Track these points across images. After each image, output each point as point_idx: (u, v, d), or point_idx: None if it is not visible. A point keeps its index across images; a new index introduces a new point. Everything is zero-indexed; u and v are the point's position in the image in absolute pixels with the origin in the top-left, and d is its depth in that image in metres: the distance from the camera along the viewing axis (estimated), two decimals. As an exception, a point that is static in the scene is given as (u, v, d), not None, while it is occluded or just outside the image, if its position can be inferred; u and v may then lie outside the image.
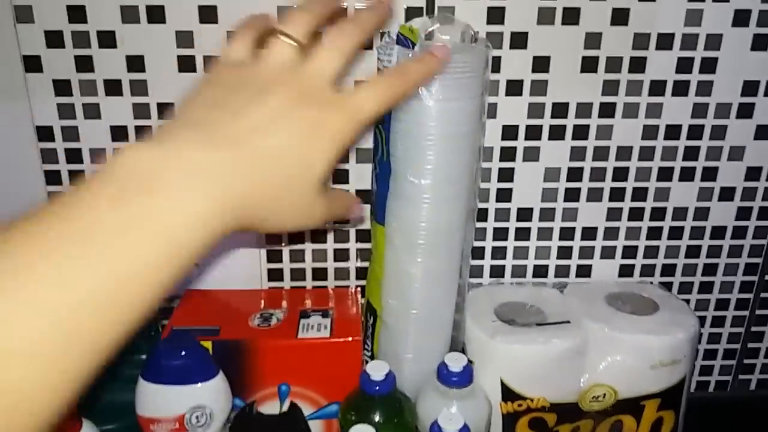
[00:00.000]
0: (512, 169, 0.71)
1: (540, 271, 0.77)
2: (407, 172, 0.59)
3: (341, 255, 0.74)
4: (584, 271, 0.77)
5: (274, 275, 0.75)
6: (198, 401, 0.55)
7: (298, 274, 0.75)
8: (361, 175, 0.71)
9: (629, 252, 0.76)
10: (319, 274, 0.75)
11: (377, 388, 0.59)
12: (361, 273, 0.75)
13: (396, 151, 0.59)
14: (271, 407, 0.62)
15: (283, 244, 0.73)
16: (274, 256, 0.74)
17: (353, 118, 0.40)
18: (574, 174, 0.72)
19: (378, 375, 0.59)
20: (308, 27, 0.41)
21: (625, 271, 0.78)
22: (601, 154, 0.71)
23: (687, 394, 0.69)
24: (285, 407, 0.61)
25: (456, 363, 0.62)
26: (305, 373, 0.63)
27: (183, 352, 0.54)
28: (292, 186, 0.38)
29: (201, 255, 0.33)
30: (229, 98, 0.37)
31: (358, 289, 0.73)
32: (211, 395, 0.55)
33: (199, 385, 0.55)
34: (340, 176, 0.71)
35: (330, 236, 0.73)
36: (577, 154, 0.71)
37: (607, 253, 0.76)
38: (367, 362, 0.64)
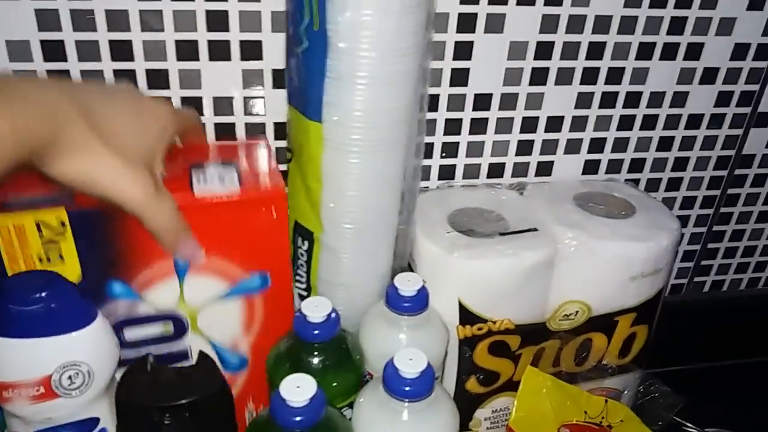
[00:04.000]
0: (471, 43, 0.57)
1: (495, 171, 0.65)
2: (349, 43, 0.44)
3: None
4: (545, 170, 0.66)
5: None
6: (69, 357, 0.40)
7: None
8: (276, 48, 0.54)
9: (596, 145, 0.66)
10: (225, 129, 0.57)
11: (317, 332, 0.46)
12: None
13: (336, 13, 0.43)
14: (168, 291, 0.47)
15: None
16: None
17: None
18: (543, 50, 0.59)
19: (317, 316, 0.46)
20: None
21: (590, 168, 0.67)
22: (575, 24, 0.58)
23: (661, 306, 0.61)
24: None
25: (408, 285, 0.50)
26: (209, 239, 0.46)
27: (42, 293, 0.39)
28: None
29: None
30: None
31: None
32: (88, 347, 0.41)
33: (71, 335, 0.40)
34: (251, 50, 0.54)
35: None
36: (549, 24, 0.58)
37: (572, 147, 0.65)
38: (301, 298, 0.50)
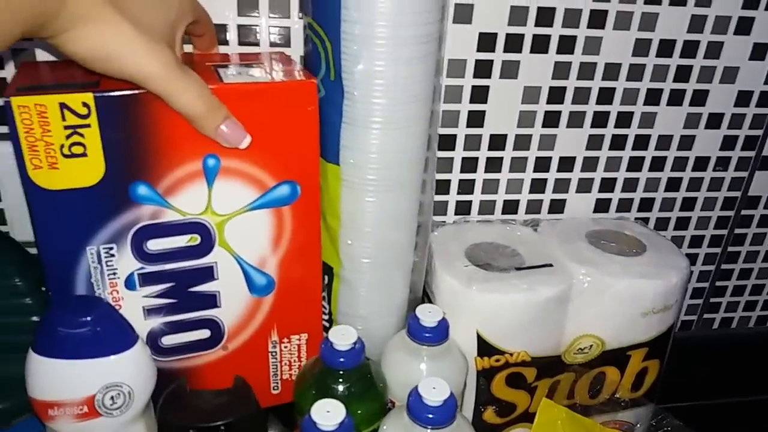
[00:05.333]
0: (487, 87, 0.61)
1: (510, 207, 0.68)
2: (363, 91, 0.47)
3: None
4: (557, 207, 0.69)
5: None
6: (112, 378, 0.42)
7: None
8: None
9: (607, 185, 0.68)
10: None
11: (342, 360, 0.48)
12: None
13: (351, 65, 0.46)
14: (195, 197, 0.44)
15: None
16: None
17: (168, 73, 0.37)
18: (556, 95, 0.62)
19: (344, 344, 0.48)
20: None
21: (601, 207, 0.70)
22: (586, 71, 0.62)
23: (672, 342, 0.63)
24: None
25: (430, 316, 0.52)
26: None
27: (88, 317, 0.41)
28: None
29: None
30: None
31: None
32: (129, 369, 0.43)
33: (114, 357, 0.42)
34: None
35: None
36: (561, 70, 0.61)
37: (584, 186, 0.68)
38: (324, 330, 0.52)
